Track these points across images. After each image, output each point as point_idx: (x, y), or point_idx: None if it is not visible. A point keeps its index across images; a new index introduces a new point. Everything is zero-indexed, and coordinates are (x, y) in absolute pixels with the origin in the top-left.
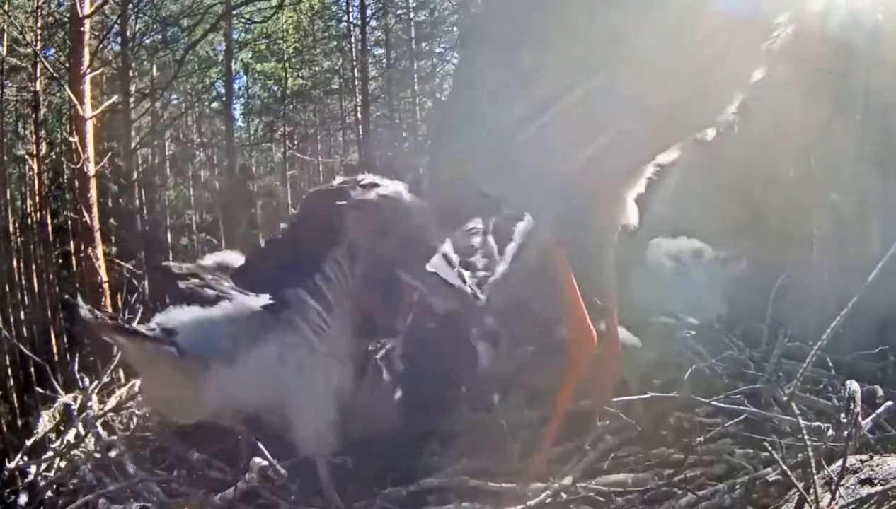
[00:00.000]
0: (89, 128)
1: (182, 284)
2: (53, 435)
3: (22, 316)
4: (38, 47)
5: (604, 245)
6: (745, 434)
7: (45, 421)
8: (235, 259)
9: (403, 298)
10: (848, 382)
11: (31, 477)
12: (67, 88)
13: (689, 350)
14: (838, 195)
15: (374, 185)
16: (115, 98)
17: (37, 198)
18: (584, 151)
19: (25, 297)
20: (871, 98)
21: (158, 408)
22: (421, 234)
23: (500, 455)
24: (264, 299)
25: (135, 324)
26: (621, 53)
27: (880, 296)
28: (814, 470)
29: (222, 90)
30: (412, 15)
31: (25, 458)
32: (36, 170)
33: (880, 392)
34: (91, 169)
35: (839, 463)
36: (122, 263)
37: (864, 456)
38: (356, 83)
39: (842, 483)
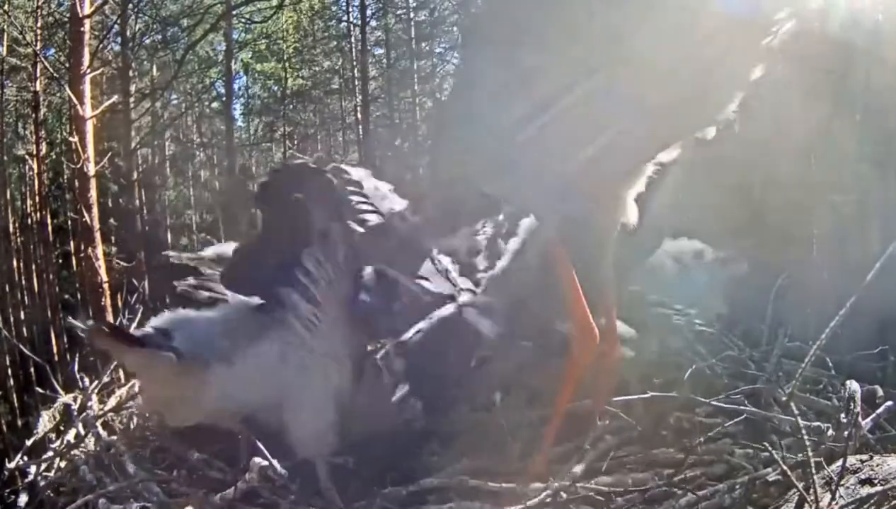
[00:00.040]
0: (89, 128)
1: (178, 286)
2: (53, 435)
3: (22, 316)
4: (38, 47)
5: (604, 244)
6: (745, 434)
7: (45, 421)
8: None
9: (400, 298)
10: (848, 382)
11: (31, 477)
12: (67, 88)
13: (689, 350)
14: (838, 195)
15: (340, 171)
16: (115, 98)
17: (37, 198)
18: (584, 151)
19: (25, 297)
20: (871, 98)
21: (159, 411)
22: (412, 233)
23: (500, 455)
24: (258, 299)
25: (132, 330)
26: (621, 53)
27: (880, 296)
28: (814, 470)
29: (222, 90)
30: (412, 15)
31: (25, 458)
32: (36, 170)
33: (880, 392)
34: (91, 169)
35: (839, 463)
36: (121, 262)
37: (864, 456)
38: (356, 83)
39: (842, 483)
